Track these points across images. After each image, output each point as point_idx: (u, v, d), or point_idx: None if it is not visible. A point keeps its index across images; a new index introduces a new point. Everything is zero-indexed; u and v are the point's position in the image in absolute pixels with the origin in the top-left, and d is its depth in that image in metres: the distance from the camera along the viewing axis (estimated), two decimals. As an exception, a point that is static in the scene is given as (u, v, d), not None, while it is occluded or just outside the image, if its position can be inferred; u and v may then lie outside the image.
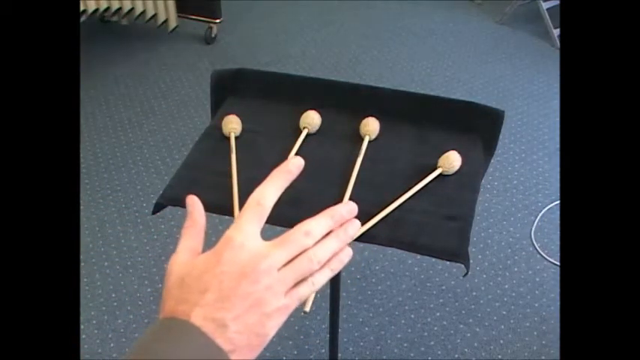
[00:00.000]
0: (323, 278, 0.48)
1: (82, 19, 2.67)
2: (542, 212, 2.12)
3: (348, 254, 0.49)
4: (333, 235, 0.49)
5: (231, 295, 0.44)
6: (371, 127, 1.03)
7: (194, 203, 0.54)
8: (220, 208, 0.90)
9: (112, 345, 1.69)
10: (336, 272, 0.49)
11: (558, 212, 2.11)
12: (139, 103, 2.71)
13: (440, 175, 0.95)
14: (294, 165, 0.50)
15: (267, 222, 0.50)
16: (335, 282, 1.13)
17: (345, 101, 1.10)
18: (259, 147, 1.03)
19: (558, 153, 2.39)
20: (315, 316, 1.77)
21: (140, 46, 3.15)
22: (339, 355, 1.65)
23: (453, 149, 0.96)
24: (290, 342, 1.70)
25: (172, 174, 0.98)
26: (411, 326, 1.75)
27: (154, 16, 2.92)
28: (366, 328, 1.74)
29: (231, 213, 0.87)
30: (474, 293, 1.85)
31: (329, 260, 0.48)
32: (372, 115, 1.04)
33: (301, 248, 0.47)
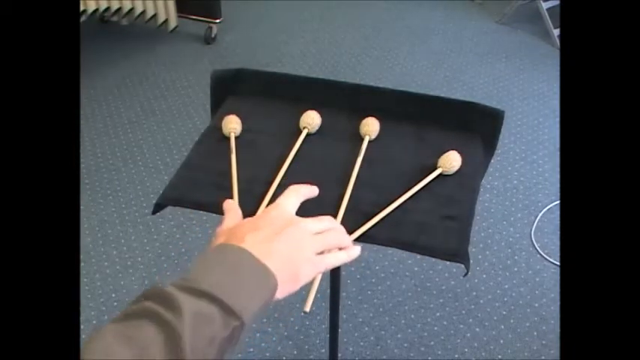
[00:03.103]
0: (344, 257, 0.59)
1: (82, 19, 2.67)
2: (542, 212, 2.12)
3: (357, 250, 0.62)
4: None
5: (281, 232, 0.54)
6: (371, 127, 1.03)
7: (230, 206, 0.67)
8: (221, 208, 0.90)
9: (112, 345, 1.69)
10: (352, 258, 0.60)
11: (558, 212, 2.11)
12: (139, 103, 2.71)
13: (440, 175, 0.95)
14: (314, 188, 0.65)
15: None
16: (335, 282, 1.13)
17: (345, 101, 1.10)
18: (259, 147, 1.03)
19: (558, 153, 2.39)
20: (315, 316, 1.77)
21: (140, 46, 3.15)
22: (339, 355, 1.65)
23: (453, 149, 0.96)
24: (290, 342, 1.70)
25: (172, 174, 0.98)
26: (411, 326, 1.75)
27: (154, 16, 2.92)
28: (366, 328, 1.74)
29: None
30: (474, 293, 1.85)
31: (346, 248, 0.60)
32: (372, 115, 1.04)
33: (329, 227, 0.59)
